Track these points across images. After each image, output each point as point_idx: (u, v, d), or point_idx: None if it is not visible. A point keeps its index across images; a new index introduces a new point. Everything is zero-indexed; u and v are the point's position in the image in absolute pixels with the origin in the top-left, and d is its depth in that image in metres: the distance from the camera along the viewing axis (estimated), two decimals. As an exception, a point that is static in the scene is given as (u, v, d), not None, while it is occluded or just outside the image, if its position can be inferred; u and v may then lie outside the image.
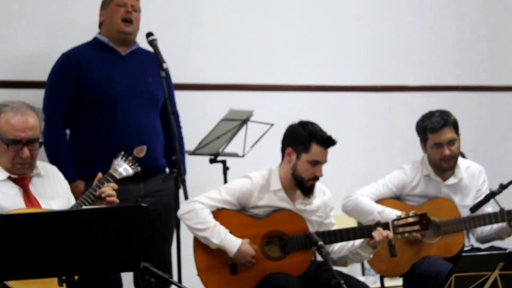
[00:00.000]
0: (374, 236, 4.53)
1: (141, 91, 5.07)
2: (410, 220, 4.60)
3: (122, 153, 4.34)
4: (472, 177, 5.12)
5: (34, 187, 4.16)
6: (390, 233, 4.53)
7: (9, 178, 4.10)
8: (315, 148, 4.59)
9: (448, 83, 6.72)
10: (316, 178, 4.62)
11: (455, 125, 5.02)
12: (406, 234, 4.64)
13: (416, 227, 4.61)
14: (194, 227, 4.56)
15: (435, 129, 4.97)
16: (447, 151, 4.97)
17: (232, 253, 4.52)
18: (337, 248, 4.72)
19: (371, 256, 4.68)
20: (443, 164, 5.01)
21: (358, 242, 4.64)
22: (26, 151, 4.05)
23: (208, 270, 4.58)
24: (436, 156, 5.00)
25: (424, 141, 5.04)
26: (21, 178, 4.12)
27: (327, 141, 4.59)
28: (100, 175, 4.23)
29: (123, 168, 4.30)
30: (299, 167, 4.61)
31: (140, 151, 4.39)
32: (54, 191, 4.20)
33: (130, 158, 4.35)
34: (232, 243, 4.52)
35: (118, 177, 4.26)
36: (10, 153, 4.05)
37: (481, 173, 5.15)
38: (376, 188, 5.06)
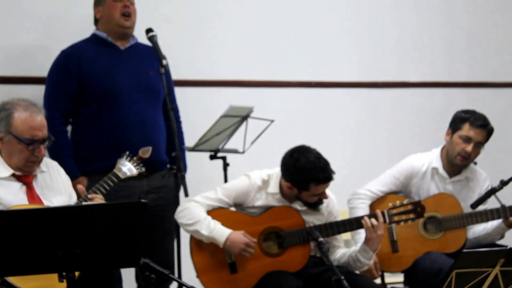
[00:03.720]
0: (363, 223, 4.54)
1: (142, 85, 5.07)
2: (405, 208, 4.63)
3: (127, 153, 4.34)
4: (478, 181, 5.13)
5: (37, 183, 4.16)
6: (374, 221, 4.53)
7: (13, 175, 4.10)
8: (313, 187, 4.55)
9: (450, 79, 6.72)
10: (320, 202, 4.61)
11: (489, 134, 5.05)
12: (402, 223, 4.65)
13: (411, 215, 4.64)
14: (185, 223, 4.56)
15: (475, 124, 5.00)
16: (469, 148, 4.98)
17: (222, 243, 4.49)
18: (339, 255, 4.72)
19: (371, 263, 4.66)
20: (458, 159, 5.02)
21: (358, 246, 4.64)
22: (42, 150, 4.08)
23: (207, 271, 4.58)
24: (458, 148, 5.01)
25: (455, 129, 5.04)
26: (25, 176, 4.12)
27: (328, 179, 4.54)
28: (82, 188, 4.19)
29: (128, 168, 4.29)
30: (303, 195, 4.60)
31: (145, 152, 4.38)
32: (55, 188, 4.20)
33: (135, 158, 4.34)
34: (221, 232, 4.49)
35: (122, 176, 4.26)
36: (26, 152, 4.06)
37: (486, 179, 5.15)
38: (383, 181, 5.07)
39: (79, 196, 4.24)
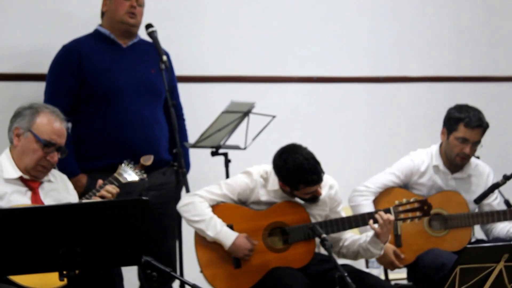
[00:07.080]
0: (377, 218, 4.50)
1: (143, 83, 5.05)
2: (411, 206, 4.61)
3: (129, 159, 4.34)
4: (481, 176, 5.10)
5: (43, 191, 4.15)
6: (391, 216, 4.51)
7: (21, 178, 4.10)
8: (303, 188, 4.52)
9: (449, 73, 6.71)
10: (315, 198, 4.59)
11: (485, 130, 4.99)
12: (409, 221, 4.63)
13: (417, 213, 4.62)
14: (190, 219, 4.56)
15: (471, 125, 4.93)
16: (467, 150, 4.95)
17: (227, 246, 4.51)
18: (348, 243, 4.69)
19: (382, 252, 4.64)
20: (457, 160, 4.99)
21: (368, 237, 4.60)
22: (55, 157, 4.12)
23: (211, 265, 4.57)
24: (455, 150, 4.96)
25: (450, 130, 4.99)
26: (32, 181, 4.12)
27: (316, 180, 4.50)
28: (100, 182, 4.21)
29: (128, 174, 4.29)
30: (296, 194, 4.57)
31: (147, 160, 4.40)
32: (63, 200, 4.17)
33: (136, 166, 4.34)
34: (228, 235, 4.50)
35: (123, 181, 4.26)
36: (39, 154, 4.08)
37: (490, 174, 5.11)
38: (383, 177, 5.04)
39: (79, 191, 4.23)
